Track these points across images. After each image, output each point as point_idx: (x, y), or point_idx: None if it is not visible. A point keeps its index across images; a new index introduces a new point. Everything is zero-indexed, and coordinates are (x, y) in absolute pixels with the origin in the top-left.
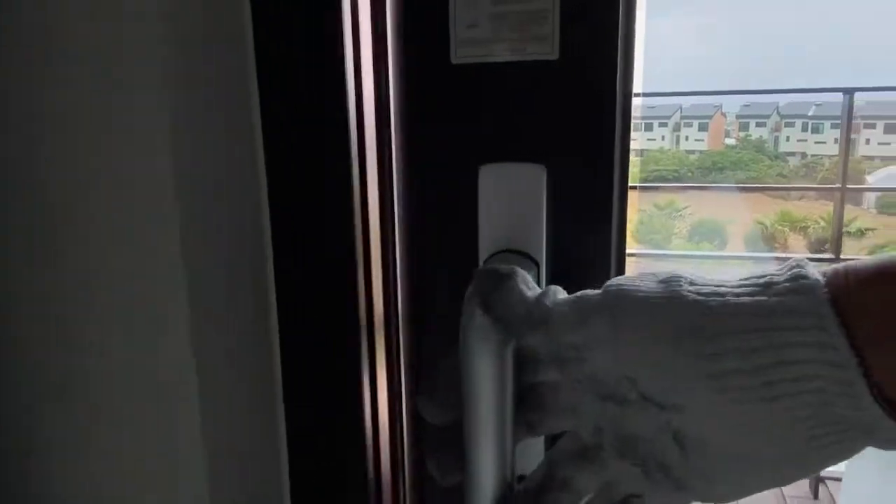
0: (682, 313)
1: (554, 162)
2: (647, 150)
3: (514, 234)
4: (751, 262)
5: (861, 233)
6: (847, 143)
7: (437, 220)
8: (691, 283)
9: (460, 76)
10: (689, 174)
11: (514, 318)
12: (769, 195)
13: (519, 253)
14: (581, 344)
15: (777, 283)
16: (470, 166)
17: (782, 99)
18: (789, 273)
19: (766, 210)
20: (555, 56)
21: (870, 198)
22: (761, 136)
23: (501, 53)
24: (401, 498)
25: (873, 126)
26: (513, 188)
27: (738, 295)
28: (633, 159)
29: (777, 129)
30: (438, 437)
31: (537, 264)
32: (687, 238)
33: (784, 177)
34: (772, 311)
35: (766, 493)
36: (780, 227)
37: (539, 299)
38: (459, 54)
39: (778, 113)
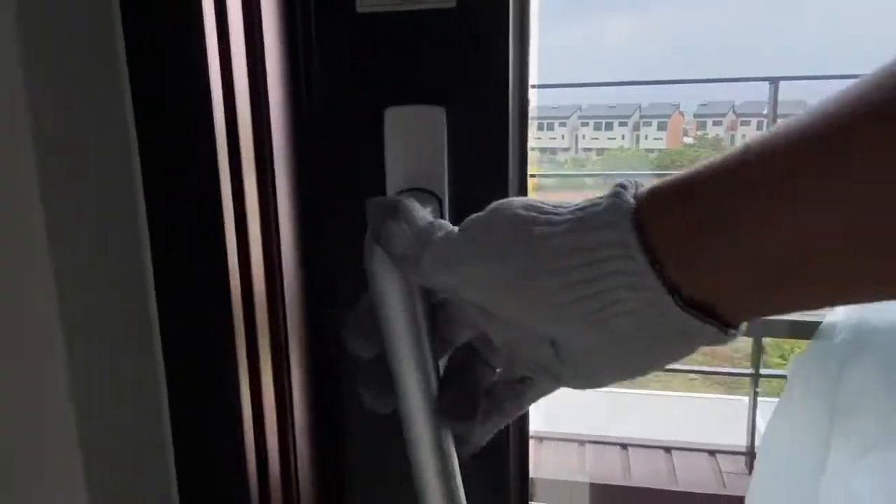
0: (517, 253)
1: (454, 103)
2: (607, 149)
3: (419, 173)
4: None
5: None
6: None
7: (345, 161)
8: (539, 212)
9: (365, 24)
10: (650, 172)
11: (396, 256)
12: None
13: (423, 191)
14: (446, 283)
15: (597, 211)
16: (377, 110)
17: (738, 98)
18: (607, 201)
19: None
20: (452, 4)
21: None
22: (718, 135)
23: (403, 3)
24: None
25: None
26: (416, 129)
27: (565, 222)
28: (595, 158)
29: (733, 127)
30: (367, 370)
31: (440, 200)
32: None
33: None
34: (588, 243)
35: (704, 467)
36: None
37: (420, 235)
38: (364, 3)
39: (734, 112)
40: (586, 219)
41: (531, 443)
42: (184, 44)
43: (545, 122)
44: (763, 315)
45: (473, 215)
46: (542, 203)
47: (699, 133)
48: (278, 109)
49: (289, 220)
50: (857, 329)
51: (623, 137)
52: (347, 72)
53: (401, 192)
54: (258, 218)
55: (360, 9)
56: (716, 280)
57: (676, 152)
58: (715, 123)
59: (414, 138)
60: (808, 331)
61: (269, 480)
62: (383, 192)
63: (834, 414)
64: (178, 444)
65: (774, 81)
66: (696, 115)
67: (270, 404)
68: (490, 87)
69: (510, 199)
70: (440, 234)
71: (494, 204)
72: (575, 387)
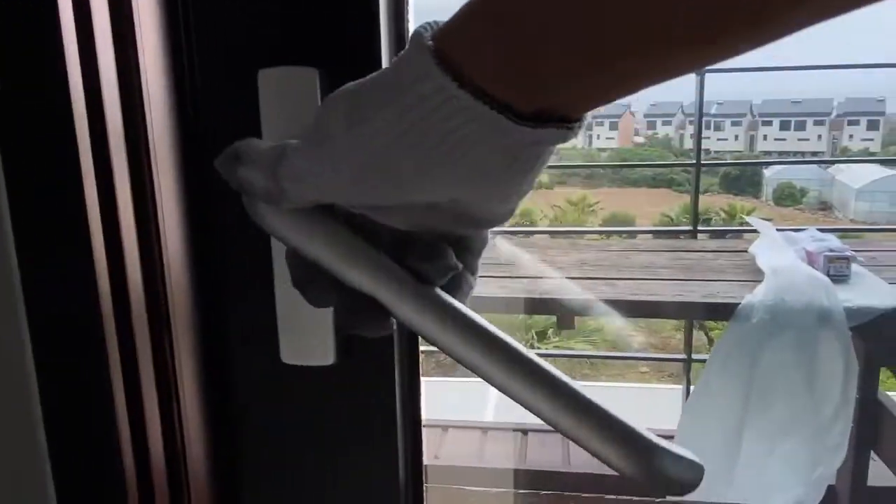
0: (353, 125)
1: (327, 65)
2: (560, 148)
3: (293, 134)
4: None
5: None
6: (699, 125)
7: (223, 125)
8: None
9: None
10: (602, 171)
11: (262, 197)
12: (675, 190)
13: None
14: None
15: (402, 57)
16: (251, 72)
17: (686, 99)
18: (409, 46)
19: (672, 203)
20: None
21: (767, 190)
22: (668, 134)
23: None
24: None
25: (770, 123)
26: (290, 91)
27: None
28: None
29: (682, 127)
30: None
31: None
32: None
33: (689, 172)
34: (395, 74)
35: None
36: (684, 219)
37: (269, 166)
38: None
39: (682, 112)
40: (395, 70)
41: (476, 432)
42: (34, 22)
43: None
44: (598, 97)
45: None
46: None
47: (650, 133)
48: (155, 87)
49: (174, 203)
50: (774, 310)
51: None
52: (223, 35)
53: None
54: (131, 205)
55: None
56: (535, 81)
57: (628, 151)
58: (664, 123)
59: (288, 100)
60: (727, 313)
61: (153, 481)
62: None
63: (749, 398)
64: (53, 450)
65: (699, 74)
66: (646, 115)
67: (153, 406)
68: (363, 48)
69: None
70: (286, 155)
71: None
72: (486, 226)
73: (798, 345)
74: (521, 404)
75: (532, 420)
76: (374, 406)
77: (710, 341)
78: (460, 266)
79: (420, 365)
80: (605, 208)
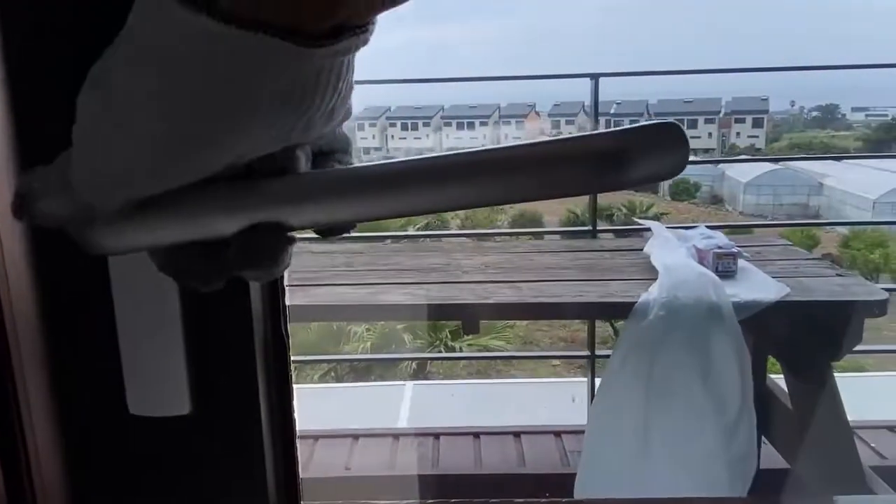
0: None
1: None
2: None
3: None
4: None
5: (657, 218)
6: (595, 123)
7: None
8: None
9: None
10: None
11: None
12: None
13: None
14: None
15: None
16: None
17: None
18: None
19: (577, 201)
20: None
21: (663, 186)
22: (571, 133)
23: None
24: None
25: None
26: None
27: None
28: None
29: (584, 126)
30: None
31: None
32: (508, 227)
33: None
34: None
35: (550, 449)
36: (589, 216)
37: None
38: None
39: (584, 111)
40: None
41: (388, 439)
42: None
43: (408, 122)
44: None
45: None
46: None
47: (554, 132)
48: None
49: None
50: (667, 307)
51: (485, 137)
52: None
53: None
54: None
55: None
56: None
57: None
58: (567, 122)
59: None
60: (625, 312)
61: None
62: None
63: (649, 392)
64: None
65: (595, 77)
66: (550, 115)
67: None
68: None
69: None
70: (70, 165)
71: None
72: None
73: (692, 340)
74: (473, 204)
75: (443, 424)
76: (237, 458)
77: (617, 333)
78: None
79: (292, 391)
80: (514, 206)
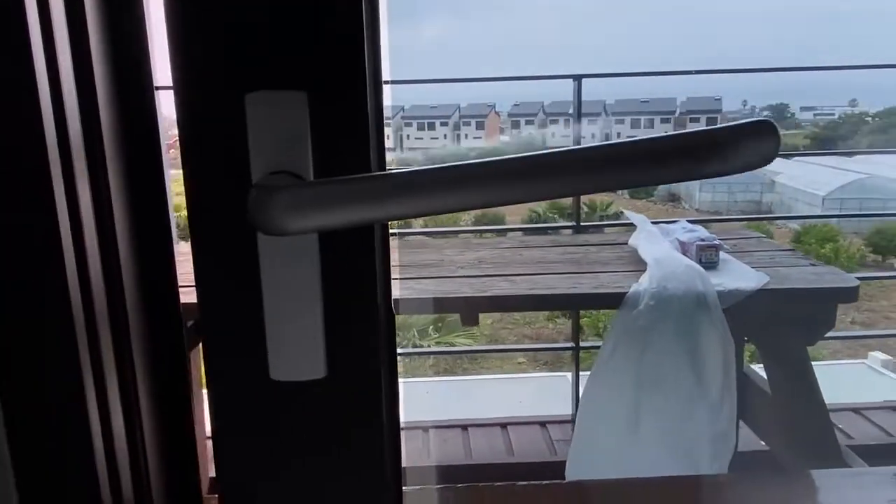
0: None
1: (315, 88)
2: (431, 148)
3: (283, 158)
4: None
5: (618, 216)
6: (578, 124)
7: (209, 149)
8: None
9: (220, 8)
10: None
11: None
12: None
13: (288, 174)
14: None
15: None
16: (237, 95)
17: (546, 98)
18: None
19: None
20: None
21: None
22: (531, 133)
23: None
24: None
25: (623, 122)
26: (279, 114)
27: None
28: (420, 158)
29: (544, 125)
30: None
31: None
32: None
33: None
34: None
35: (537, 438)
36: (550, 214)
37: None
38: None
39: (543, 111)
40: None
41: None
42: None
43: None
44: None
45: None
46: None
47: (514, 132)
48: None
49: (124, 224)
50: (657, 297)
51: (445, 137)
52: (206, 59)
53: (269, 175)
54: (94, 225)
55: None
56: None
57: (494, 150)
58: (528, 122)
59: (277, 123)
60: (617, 301)
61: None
62: (249, 178)
63: (639, 379)
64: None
65: (578, 79)
66: (510, 115)
67: (119, 421)
68: (348, 72)
69: None
70: None
71: None
72: None
73: (680, 329)
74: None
75: (434, 417)
76: (361, 415)
77: (579, 327)
78: None
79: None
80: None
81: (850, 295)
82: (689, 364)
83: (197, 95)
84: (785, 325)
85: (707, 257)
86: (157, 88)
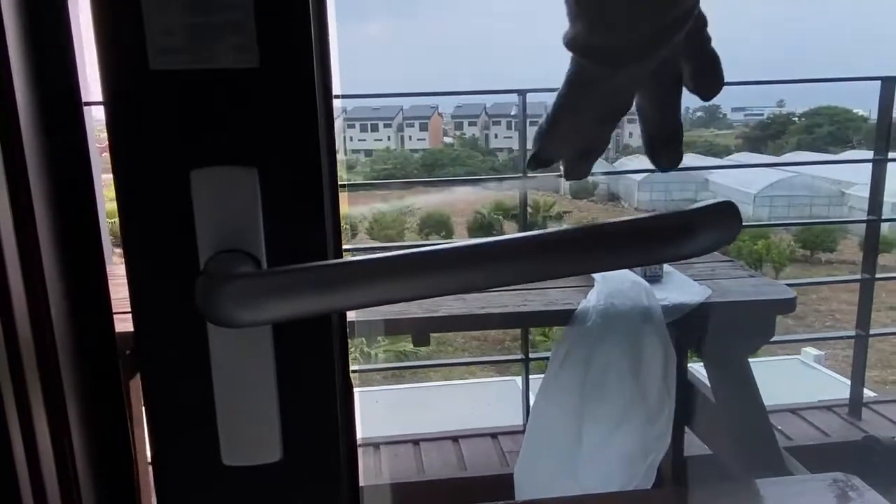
0: None
1: (266, 164)
2: (374, 150)
3: (233, 235)
4: None
5: (560, 216)
6: (524, 137)
7: (153, 227)
8: None
9: (161, 83)
10: (415, 172)
11: None
12: (485, 188)
13: (239, 251)
14: None
15: None
16: (181, 172)
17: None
18: None
19: (484, 201)
20: (256, 64)
21: (565, 185)
22: (474, 135)
23: (203, 62)
24: None
25: None
26: (227, 191)
27: None
28: (363, 159)
29: (486, 127)
30: None
31: (258, 262)
32: (417, 231)
33: (496, 170)
34: None
35: (489, 451)
36: (495, 216)
37: None
38: (159, 61)
39: (486, 113)
40: None
41: None
42: None
43: None
44: None
45: None
46: None
47: (458, 133)
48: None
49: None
50: (606, 313)
51: (389, 139)
52: (146, 133)
53: (214, 256)
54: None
55: (153, 66)
56: None
57: (439, 151)
58: (470, 124)
59: (225, 200)
60: (566, 319)
61: None
62: (196, 257)
63: (585, 392)
64: None
65: (522, 93)
66: (453, 116)
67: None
68: (300, 146)
69: None
70: None
71: None
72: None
73: (625, 343)
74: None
75: (384, 427)
76: (319, 494)
77: (528, 338)
78: None
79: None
80: (422, 208)
81: (787, 306)
82: (630, 374)
83: (139, 171)
84: (726, 336)
85: (652, 271)
86: (90, 104)
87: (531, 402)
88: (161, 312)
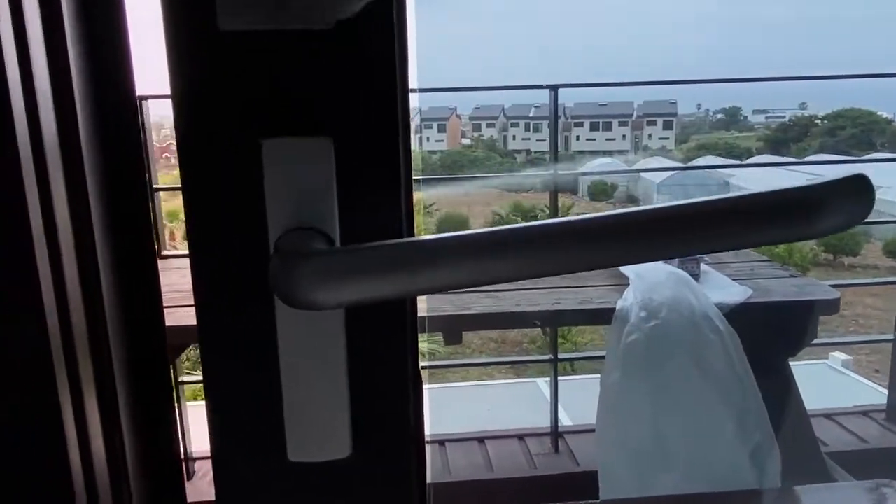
0: None
1: (342, 134)
2: None
3: (306, 211)
4: None
5: None
6: (555, 132)
7: (220, 202)
8: None
9: (230, 45)
10: (435, 173)
11: None
12: (502, 189)
13: (311, 230)
14: None
15: None
16: (251, 142)
17: (507, 101)
18: None
19: (502, 203)
20: (331, 25)
21: (583, 187)
22: (492, 136)
23: (275, 23)
24: None
25: (581, 125)
26: (301, 163)
27: None
28: None
29: (504, 128)
30: None
31: (332, 241)
32: (435, 232)
33: (514, 172)
34: None
35: (515, 452)
36: (513, 217)
37: None
38: (228, 22)
39: (504, 114)
40: None
41: None
42: None
43: None
44: None
45: None
46: None
47: (475, 135)
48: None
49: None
50: (647, 306)
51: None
52: (215, 101)
53: (285, 234)
54: (72, 238)
55: (223, 27)
56: None
57: (457, 153)
58: (488, 125)
59: (298, 173)
60: (605, 317)
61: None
62: (266, 235)
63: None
64: None
65: (554, 88)
66: (471, 118)
67: (99, 442)
68: (376, 116)
69: None
70: None
71: None
72: None
73: (680, 338)
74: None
75: None
76: (388, 493)
77: (557, 337)
78: None
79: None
80: (441, 209)
81: (832, 307)
82: (700, 376)
83: (206, 142)
84: (767, 338)
85: (689, 269)
86: (148, 98)
87: (560, 404)
88: (226, 295)
